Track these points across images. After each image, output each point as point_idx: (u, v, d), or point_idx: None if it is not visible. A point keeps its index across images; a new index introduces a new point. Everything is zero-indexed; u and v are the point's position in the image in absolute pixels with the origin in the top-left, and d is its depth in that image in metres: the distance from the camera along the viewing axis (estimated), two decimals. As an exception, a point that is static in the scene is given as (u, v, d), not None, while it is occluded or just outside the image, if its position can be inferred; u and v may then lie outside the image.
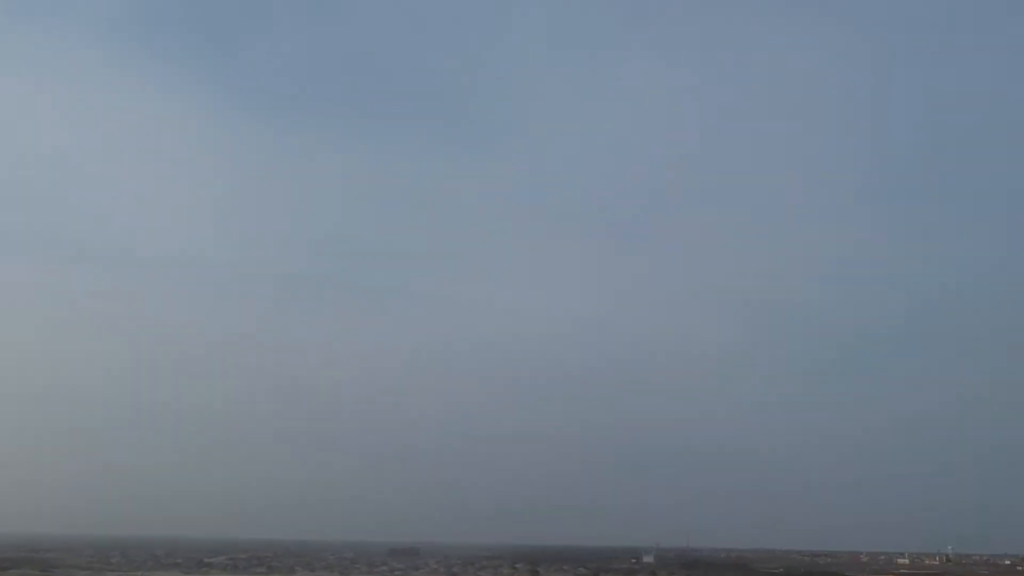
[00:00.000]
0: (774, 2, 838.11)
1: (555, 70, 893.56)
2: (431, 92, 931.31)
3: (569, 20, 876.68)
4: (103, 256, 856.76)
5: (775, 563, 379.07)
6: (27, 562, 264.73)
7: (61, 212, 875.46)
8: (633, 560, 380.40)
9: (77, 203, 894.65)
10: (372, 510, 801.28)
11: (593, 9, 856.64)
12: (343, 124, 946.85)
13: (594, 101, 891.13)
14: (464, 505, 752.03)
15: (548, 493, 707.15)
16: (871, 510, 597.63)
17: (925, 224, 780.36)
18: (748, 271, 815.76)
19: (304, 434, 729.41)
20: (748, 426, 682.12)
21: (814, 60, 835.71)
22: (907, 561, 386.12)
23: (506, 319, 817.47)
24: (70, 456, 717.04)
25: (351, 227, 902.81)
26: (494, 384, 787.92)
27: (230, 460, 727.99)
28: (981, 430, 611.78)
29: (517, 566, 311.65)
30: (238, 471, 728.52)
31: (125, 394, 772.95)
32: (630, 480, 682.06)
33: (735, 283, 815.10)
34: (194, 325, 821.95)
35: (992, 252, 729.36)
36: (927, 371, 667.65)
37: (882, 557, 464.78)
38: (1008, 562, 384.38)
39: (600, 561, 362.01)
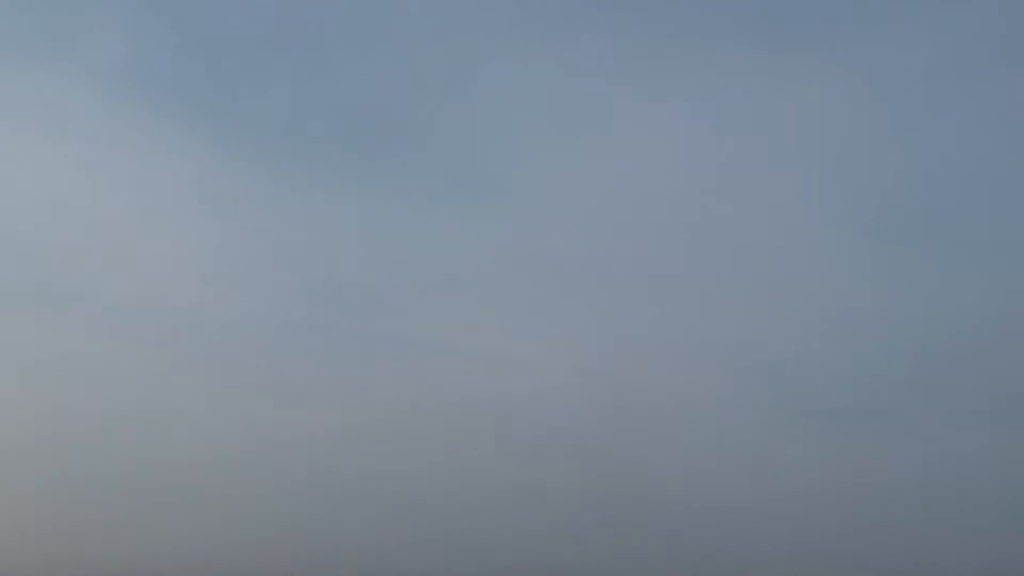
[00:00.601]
0: (773, 41, 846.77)
1: (555, 112, 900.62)
2: (427, 137, 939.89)
3: (572, 73, 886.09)
4: (95, 306, 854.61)
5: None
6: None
7: (55, 260, 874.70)
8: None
9: (72, 251, 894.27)
10: (352, 565, 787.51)
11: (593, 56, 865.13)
12: (339, 172, 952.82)
13: (590, 145, 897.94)
14: (448, 563, 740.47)
15: (535, 550, 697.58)
16: (863, 567, 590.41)
17: (935, 267, 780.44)
18: (745, 322, 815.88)
19: (296, 488, 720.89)
20: (736, 480, 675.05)
21: (815, 101, 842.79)
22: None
23: (501, 371, 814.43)
24: (57, 505, 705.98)
25: (347, 275, 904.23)
26: (484, 437, 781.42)
27: (220, 508, 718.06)
28: (985, 487, 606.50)
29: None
30: (223, 529, 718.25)
31: (116, 447, 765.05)
32: (618, 534, 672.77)
33: (733, 335, 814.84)
34: (186, 377, 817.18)
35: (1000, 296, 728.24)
36: (929, 425, 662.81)
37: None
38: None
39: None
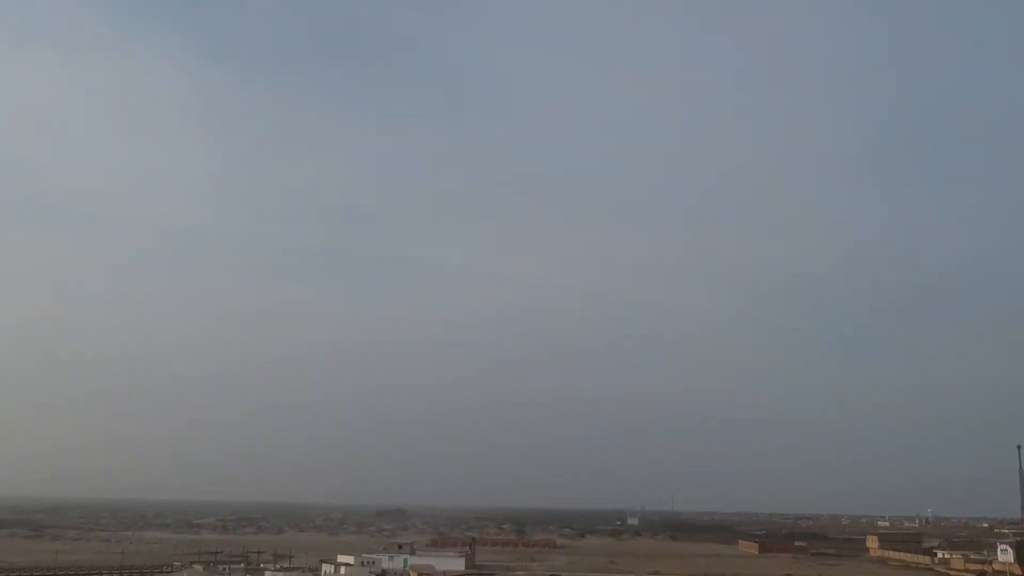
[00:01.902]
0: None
1: (555, 44, 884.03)
2: (432, 64, 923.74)
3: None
4: (90, 224, 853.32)
5: (757, 526, 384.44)
6: (18, 523, 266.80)
7: (55, 180, 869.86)
8: (618, 522, 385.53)
9: (72, 171, 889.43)
10: (362, 475, 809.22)
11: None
12: (344, 96, 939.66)
13: (595, 75, 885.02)
14: (454, 471, 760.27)
15: (537, 460, 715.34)
16: (855, 477, 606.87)
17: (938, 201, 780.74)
18: (748, 246, 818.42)
19: (295, 402, 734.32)
20: (737, 398, 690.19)
21: (814, 29, 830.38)
22: (887, 524, 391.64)
23: (506, 289, 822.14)
24: (65, 423, 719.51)
25: (352, 196, 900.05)
26: (490, 354, 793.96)
27: (222, 427, 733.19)
28: (969, 405, 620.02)
29: (504, 526, 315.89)
30: (229, 438, 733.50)
31: (123, 363, 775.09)
32: (618, 447, 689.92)
33: (735, 258, 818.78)
34: (192, 295, 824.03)
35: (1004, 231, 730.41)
36: (921, 348, 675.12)
37: (863, 520, 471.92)
38: (986, 525, 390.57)
39: (586, 523, 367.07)
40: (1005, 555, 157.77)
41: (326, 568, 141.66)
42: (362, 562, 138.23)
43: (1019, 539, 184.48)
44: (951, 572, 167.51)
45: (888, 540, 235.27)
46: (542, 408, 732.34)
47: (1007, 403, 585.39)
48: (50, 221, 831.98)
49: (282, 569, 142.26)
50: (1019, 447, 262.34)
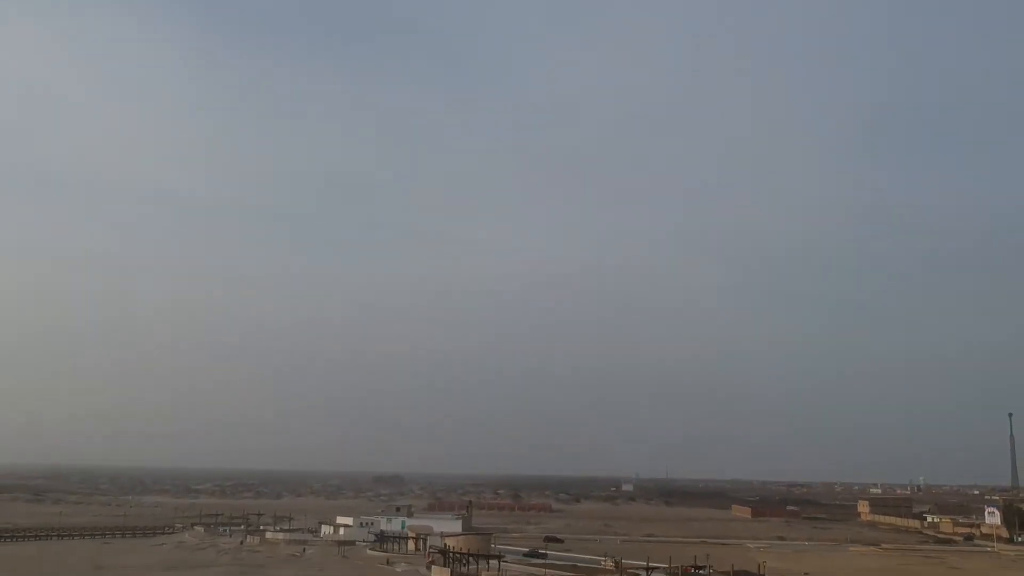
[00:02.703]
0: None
1: (556, 14, 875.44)
2: (433, 32, 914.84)
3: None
4: (89, 190, 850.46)
5: (751, 493, 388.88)
6: (18, 488, 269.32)
7: (43, 144, 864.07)
8: (613, 489, 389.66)
9: (60, 135, 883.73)
10: (359, 444, 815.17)
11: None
12: (342, 63, 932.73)
13: (591, 42, 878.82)
14: (451, 440, 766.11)
15: (533, 429, 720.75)
16: (848, 446, 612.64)
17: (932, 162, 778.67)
18: (746, 217, 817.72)
19: (293, 369, 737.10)
20: (732, 367, 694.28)
21: (816, 3, 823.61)
22: (879, 491, 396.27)
23: (504, 259, 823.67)
24: (60, 390, 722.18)
25: (349, 165, 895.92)
26: (487, 323, 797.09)
27: (219, 395, 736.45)
28: (962, 374, 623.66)
29: (499, 492, 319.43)
30: (226, 406, 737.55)
31: (115, 330, 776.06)
32: (613, 416, 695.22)
33: (733, 229, 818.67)
34: (188, 261, 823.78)
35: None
36: (917, 313, 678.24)
37: (856, 487, 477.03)
38: (976, 492, 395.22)
39: (581, 489, 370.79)
40: (992, 517, 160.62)
41: (325, 529, 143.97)
42: (360, 523, 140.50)
43: (1007, 503, 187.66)
44: (940, 535, 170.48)
45: (879, 505, 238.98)
46: (538, 378, 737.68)
47: (1000, 372, 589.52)
48: (40, 188, 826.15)
49: (282, 530, 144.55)
50: (1010, 415, 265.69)
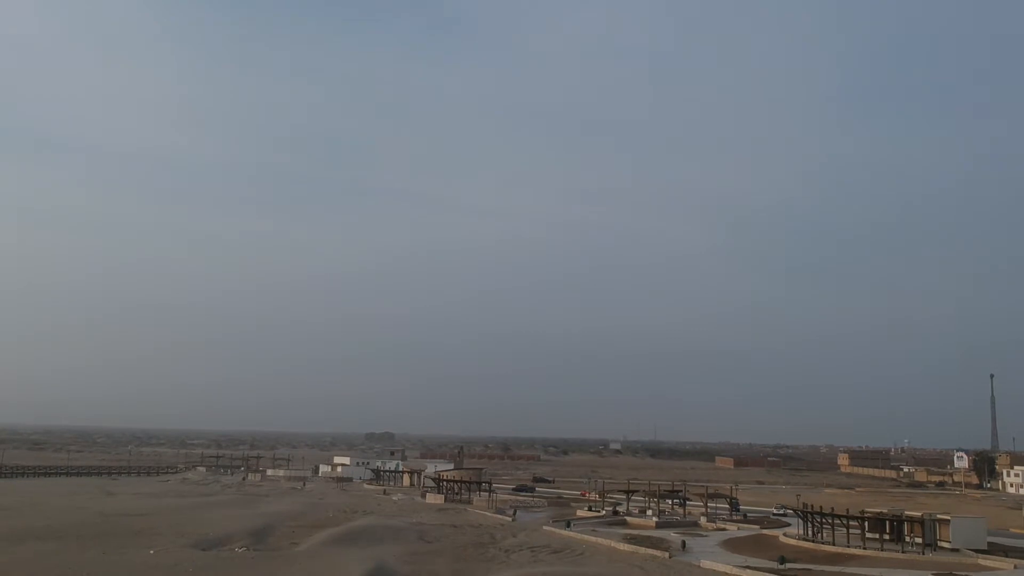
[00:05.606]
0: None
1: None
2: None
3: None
4: (72, 149, 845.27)
5: (737, 452, 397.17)
6: (17, 442, 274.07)
7: (26, 103, 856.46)
8: (600, 446, 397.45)
9: (43, 94, 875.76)
10: (351, 404, 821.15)
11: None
12: (329, 21, 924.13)
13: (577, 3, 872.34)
14: (440, 401, 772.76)
15: (521, 391, 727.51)
16: (834, 409, 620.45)
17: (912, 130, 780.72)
18: (730, 176, 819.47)
19: (283, 331, 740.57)
20: (718, 329, 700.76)
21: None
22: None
23: (488, 220, 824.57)
24: (49, 351, 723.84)
25: (335, 124, 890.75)
26: (472, 284, 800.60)
27: (209, 356, 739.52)
28: (949, 335, 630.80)
29: (489, 446, 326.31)
30: (218, 367, 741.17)
31: (105, 290, 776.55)
32: (600, 378, 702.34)
33: (717, 189, 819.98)
34: (173, 221, 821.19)
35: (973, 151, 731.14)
36: (903, 275, 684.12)
37: (841, 449, 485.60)
38: (960, 455, 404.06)
39: (569, 447, 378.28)
40: (960, 462, 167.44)
41: (323, 468, 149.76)
42: (357, 463, 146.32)
43: (979, 453, 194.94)
44: (914, 483, 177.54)
45: (858, 458, 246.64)
46: (525, 340, 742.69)
47: (984, 334, 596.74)
48: (22, 147, 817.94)
49: (282, 470, 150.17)
50: (991, 376, 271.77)
